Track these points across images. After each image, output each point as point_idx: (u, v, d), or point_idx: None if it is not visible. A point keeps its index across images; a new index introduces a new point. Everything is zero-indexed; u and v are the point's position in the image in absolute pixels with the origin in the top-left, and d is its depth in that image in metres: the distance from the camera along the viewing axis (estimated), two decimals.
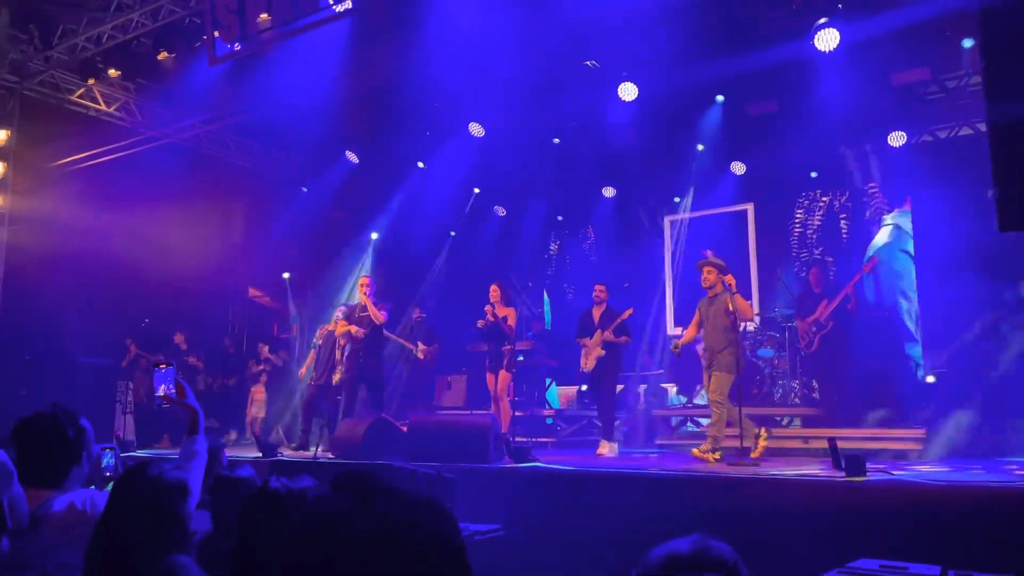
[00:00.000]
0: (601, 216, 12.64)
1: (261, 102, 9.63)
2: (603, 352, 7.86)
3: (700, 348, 9.81)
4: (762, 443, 6.65)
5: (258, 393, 11.49)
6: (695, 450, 6.77)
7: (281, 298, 13.25)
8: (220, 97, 9.67)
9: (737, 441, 7.87)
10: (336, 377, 9.11)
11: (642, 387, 11.29)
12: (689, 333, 7.23)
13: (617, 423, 8.64)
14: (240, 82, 9.26)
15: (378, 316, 8.48)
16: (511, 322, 8.30)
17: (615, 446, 7.87)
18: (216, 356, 12.04)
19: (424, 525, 0.81)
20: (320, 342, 9.31)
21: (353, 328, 8.57)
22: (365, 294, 8.55)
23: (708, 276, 7.02)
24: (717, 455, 6.60)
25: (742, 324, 7.16)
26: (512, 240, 13.04)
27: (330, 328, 9.33)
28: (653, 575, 1.07)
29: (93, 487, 2.92)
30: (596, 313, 8.11)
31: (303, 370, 9.42)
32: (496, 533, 4.74)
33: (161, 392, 2.64)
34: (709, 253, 10.69)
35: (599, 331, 7.92)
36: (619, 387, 8.85)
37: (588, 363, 7.95)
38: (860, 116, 9.53)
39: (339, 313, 9.25)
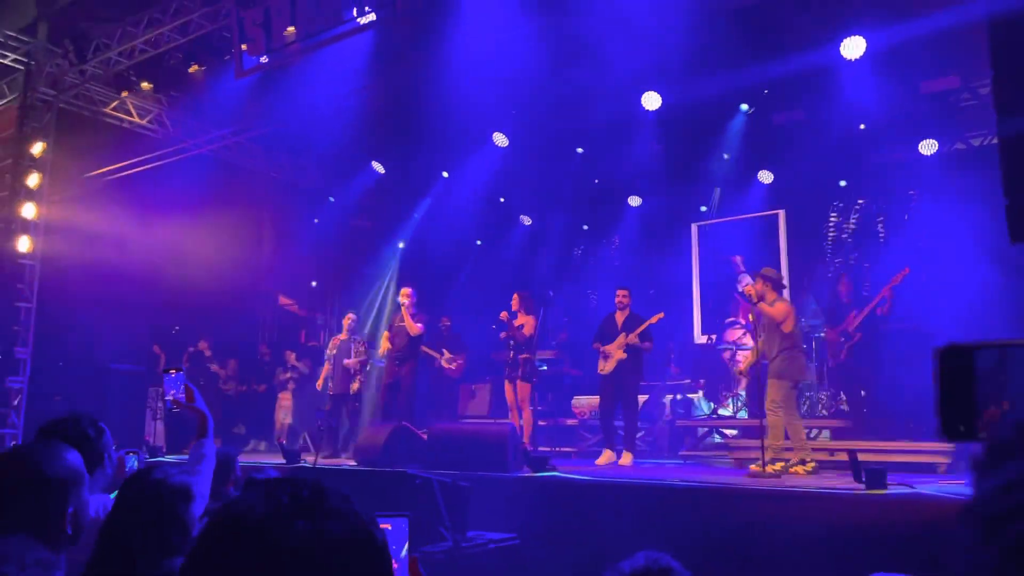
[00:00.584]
0: (627, 225, 12.63)
1: (288, 113, 9.80)
2: (625, 356, 7.78)
3: (739, 356, 9.76)
4: (799, 469, 6.53)
5: (285, 400, 11.65)
6: (753, 466, 6.64)
7: (309, 306, 13.43)
8: (248, 109, 9.87)
9: (770, 453, 7.86)
10: (354, 386, 9.22)
11: (668, 397, 11.25)
12: (753, 351, 7.13)
13: (640, 433, 8.61)
14: (267, 94, 9.45)
15: (413, 327, 8.61)
16: (528, 331, 8.31)
17: (629, 456, 7.75)
18: (249, 363, 12.24)
19: (340, 545, 0.80)
20: (334, 352, 9.37)
21: (386, 344, 8.78)
22: (405, 305, 8.68)
23: (757, 287, 6.93)
24: (777, 466, 6.52)
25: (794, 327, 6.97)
26: (537, 249, 13.08)
27: (342, 338, 9.44)
28: None
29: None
30: (619, 318, 8.04)
31: (320, 382, 9.46)
32: (511, 542, 4.77)
33: (171, 397, 2.72)
34: (739, 259, 10.64)
35: (623, 334, 7.85)
36: (642, 397, 8.79)
37: (607, 366, 7.82)
38: (890, 124, 9.44)
39: (347, 323, 9.41)
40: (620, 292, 8.19)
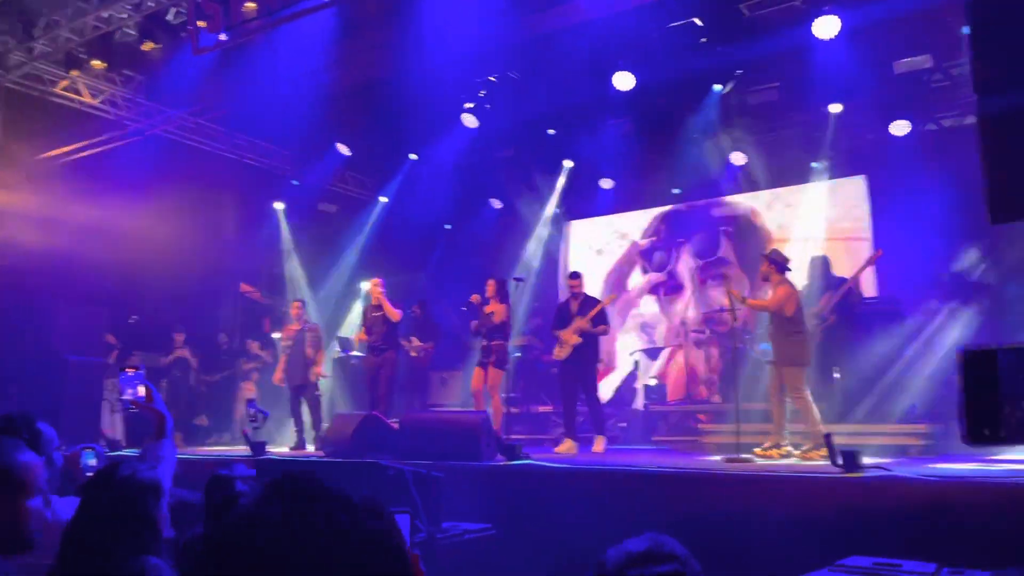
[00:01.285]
0: (599, 207, 12.65)
1: (248, 93, 9.64)
2: (580, 340, 7.81)
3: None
4: (774, 452, 6.68)
5: (249, 390, 11.52)
6: (796, 451, 6.75)
7: (272, 294, 13.27)
8: (206, 88, 9.68)
9: (743, 438, 7.98)
10: (315, 372, 9.18)
11: (641, 383, 11.35)
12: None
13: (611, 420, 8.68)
14: (227, 73, 9.27)
15: (394, 313, 8.77)
16: (499, 317, 8.31)
17: (603, 441, 7.79)
18: (210, 352, 12.09)
19: (362, 532, 0.79)
20: (289, 343, 9.27)
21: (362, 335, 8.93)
22: (381, 293, 8.82)
23: (763, 268, 7.21)
24: (823, 451, 6.64)
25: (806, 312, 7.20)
26: (508, 233, 13.06)
27: (295, 328, 9.34)
28: (607, 573, 1.11)
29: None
30: (573, 305, 8.07)
31: (277, 373, 9.36)
32: (486, 532, 4.78)
33: (128, 396, 2.65)
34: (726, 240, 10.74)
35: (577, 318, 7.89)
36: (614, 381, 8.86)
37: (562, 352, 7.87)
38: (863, 104, 9.57)
39: (296, 311, 9.35)
40: (571, 281, 8.25)
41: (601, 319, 7.96)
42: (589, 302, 8.03)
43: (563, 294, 8.42)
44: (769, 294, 7.19)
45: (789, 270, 7.41)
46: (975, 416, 0.87)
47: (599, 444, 7.75)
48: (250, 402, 7.61)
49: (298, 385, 9.20)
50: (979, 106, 3.15)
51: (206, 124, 11.17)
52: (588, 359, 7.91)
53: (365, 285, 8.93)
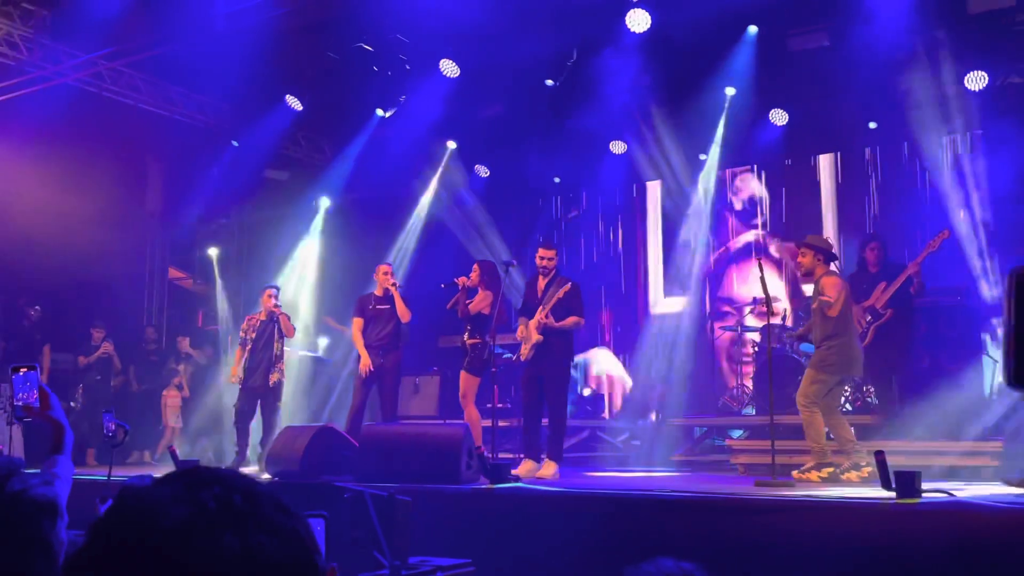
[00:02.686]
0: (609, 177, 12.68)
1: (180, 33, 9.61)
2: (541, 338, 7.54)
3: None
4: (853, 475, 6.73)
5: (171, 398, 11.53)
6: (795, 472, 6.80)
7: (207, 280, 13.27)
8: (128, 29, 9.65)
9: (782, 457, 8.04)
10: (273, 378, 9.22)
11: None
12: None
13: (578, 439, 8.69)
14: (153, 10, 9.26)
15: (405, 312, 8.84)
16: (484, 309, 8.31)
17: (553, 467, 7.46)
18: (132, 352, 12.08)
19: (264, 521, 0.80)
20: (252, 335, 9.35)
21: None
22: (393, 285, 8.94)
23: (802, 260, 7.16)
24: (824, 472, 6.70)
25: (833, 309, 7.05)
26: (497, 207, 13.07)
27: (261, 318, 9.42)
28: None
29: None
30: (540, 286, 7.83)
31: (234, 371, 9.46)
32: (464, 569, 4.81)
33: (20, 402, 2.65)
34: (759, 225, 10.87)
35: (540, 308, 7.64)
36: (627, 383, 8.85)
37: (524, 350, 7.64)
38: (930, 52, 9.59)
39: (268, 301, 9.35)
40: (541, 251, 7.88)
41: (568, 309, 7.64)
42: (554, 286, 7.70)
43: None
44: (817, 290, 7.15)
45: (836, 257, 7.46)
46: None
47: (548, 469, 7.42)
48: (106, 414, 7.54)
49: (257, 388, 9.25)
50: None
51: (127, 71, 11.12)
52: (554, 359, 7.64)
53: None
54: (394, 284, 8.98)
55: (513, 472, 7.36)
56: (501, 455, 8.75)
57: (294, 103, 11.64)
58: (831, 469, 6.78)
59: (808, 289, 9.05)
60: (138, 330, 12.64)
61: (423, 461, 6.51)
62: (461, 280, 8.45)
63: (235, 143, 12.33)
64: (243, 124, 12.25)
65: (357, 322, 9.05)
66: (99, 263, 11.52)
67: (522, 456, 7.82)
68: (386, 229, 13.01)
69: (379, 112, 11.81)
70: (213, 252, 13.38)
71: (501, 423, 9.65)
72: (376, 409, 10.61)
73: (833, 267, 7.35)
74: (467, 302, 8.41)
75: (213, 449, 11.33)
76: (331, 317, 12.43)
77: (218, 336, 12.92)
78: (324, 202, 13.23)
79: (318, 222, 13.31)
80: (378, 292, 9.08)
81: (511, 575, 5.23)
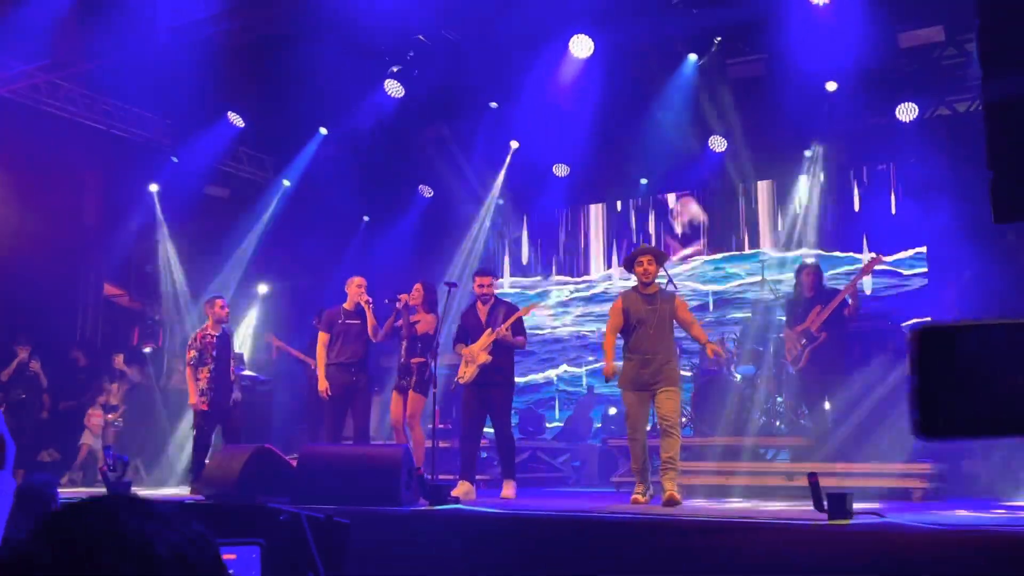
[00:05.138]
0: (551, 199, 12.77)
1: (118, 48, 9.48)
2: (490, 358, 7.66)
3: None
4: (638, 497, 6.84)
5: (95, 417, 11.25)
6: (673, 494, 6.60)
7: (144, 298, 13.03)
8: (66, 39, 9.50)
9: (716, 478, 8.13)
10: (236, 397, 8.94)
11: (612, 410, 11.48)
12: (609, 343, 7.20)
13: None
14: (93, 20, 9.11)
15: (377, 331, 8.52)
16: (422, 330, 8.31)
17: (512, 485, 7.70)
18: (64, 371, 11.80)
19: None
20: (212, 353, 8.89)
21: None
22: (367, 301, 8.54)
23: (649, 268, 7.06)
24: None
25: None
26: (440, 228, 13.08)
27: (215, 332, 8.97)
28: None
29: None
30: (482, 312, 7.97)
31: (193, 394, 8.87)
32: None
33: None
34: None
35: (487, 331, 7.75)
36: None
37: (468, 372, 7.70)
38: (864, 83, 9.86)
39: (222, 311, 9.06)
40: (479, 279, 8.08)
41: (520, 330, 7.92)
42: (501, 309, 7.90)
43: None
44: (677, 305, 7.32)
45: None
46: (928, 405, 0.92)
47: (508, 489, 7.60)
48: (107, 449, 7.37)
49: (223, 410, 8.81)
50: (984, 85, 3.29)
51: (63, 84, 10.94)
52: (501, 380, 7.77)
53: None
54: (367, 300, 8.58)
55: (452, 493, 7.36)
56: (441, 476, 8.71)
57: (236, 120, 11.53)
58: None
59: None
60: (70, 346, 12.36)
61: (362, 482, 6.44)
62: (403, 297, 8.43)
63: (175, 159, 12.17)
64: (183, 140, 12.11)
65: (323, 337, 8.68)
66: (32, 278, 11.26)
67: (458, 478, 7.78)
68: (328, 247, 12.93)
69: (321, 131, 11.76)
70: (150, 267, 13.14)
71: (442, 444, 9.61)
72: (312, 427, 10.55)
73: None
74: (412, 320, 8.38)
75: (145, 469, 11.07)
76: (272, 335, 12.24)
77: (156, 355, 12.65)
78: (264, 219, 13.10)
79: (256, 238, 13.14)
80: (348, 306, 8.67)
81: None
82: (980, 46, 3.32)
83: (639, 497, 6.80)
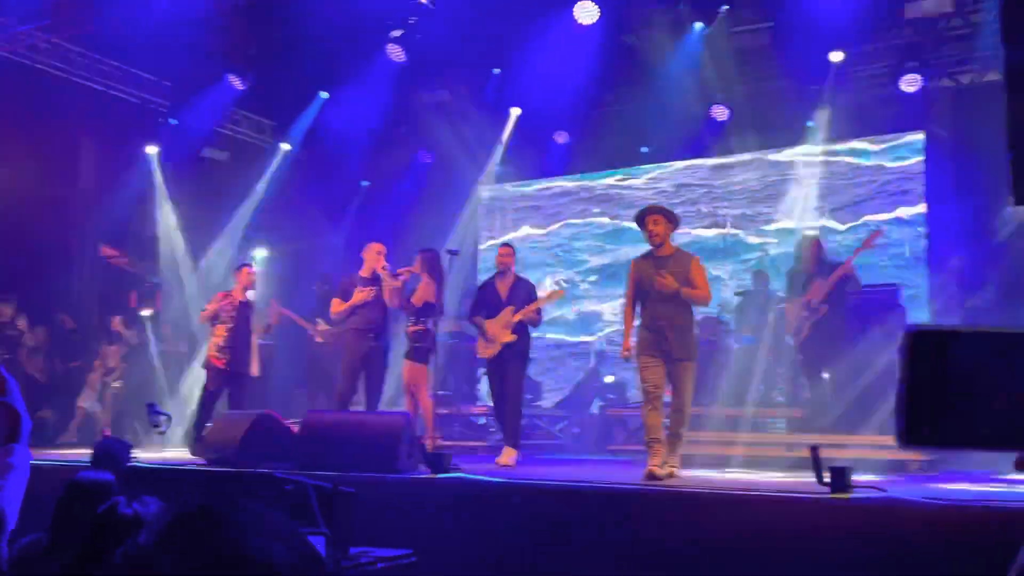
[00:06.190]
0: (550, 165, 12.72)
1: (117, 6, 9.38)
2: (514, 338, 7.66)
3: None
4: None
5: (91, 380, 11.23)
6: (653, 468, 6.41)
7: (141, 260, 12.97)
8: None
9: (715, 448, 8.15)
10: (255, 367, 8.96)
11: (608, 378, 11.51)
12: (627, 314, 6.89)
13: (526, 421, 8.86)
14: None
15: (393, 299, 8.33)
16: (419, 299, 8.26)
17: (512, 453, 7.67)
18: (57, 333, 11.77)
19: None
20: (233, 314, 8.87)
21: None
22: (385, 268, 8.36)
23: (655, 228, 6.67)
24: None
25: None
26: (441, 193, 13.02)
27: (239, 298, 8.94)
28: None
29: None
30: (501, 286, 7.94)
31: (215, 352, 8.79)
32: (405, 560, 4.80)
33: None
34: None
35: (509, 309, 7.74)
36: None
37: (491, 349, 7.74)
38: (868, 54, 9.80)
39: (247, 278, 9.02)
40: (502, 250, 8.09)
41: (539, 310, 7.91)
42: (523, 287, 7.90)
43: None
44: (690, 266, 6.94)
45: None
46: (916, 412, 0.90)
47: (507, 456, 7.57)
48: (151, 405, 7.38)
49: (237, 374, 8.85)
50: (1007, 57, 3.23)
51: (63, 44, 10.84)
52: (519, 357, 7.82)
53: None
54: (385, 267, 8.42)
55: (498, 461, 7.48)
56: (444, 443, 8.78)
57: (236, 82, 11.42)
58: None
59: None
60: (66, 308, 12.32)
61: (362, 449, 6.45)
62: (405, 271, 8.39)
63: (173, 121, 12.07)
64: (182, 102, 12.01)
65: (337, 303, 8.56)
66: (29, 239, 11.20)
67: (502, 443, 7.89)
68: (330, 212, 12.89)
69: (322, 94, 11.67)
70: (153, 230, 13.08)
71: (440, 410, 9.64)
72: (313, 393, 10.58)
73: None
74: (403, 290, 8.34)
75: (143, 432, 11.09)
76: (274, 300, 12.19)
77: (153, 317, 12.61)
78: (264, 183, 13.04)
79: (256, 201, 13.09)
80: (364, 273, 8.49)
81: (453, 565, 5.23)
82: (1004, 13, 3.24)
83: (656, 469, 6.24)
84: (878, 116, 10.86)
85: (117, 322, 11.78)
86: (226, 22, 9.51)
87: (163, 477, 5.68)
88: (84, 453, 8.62)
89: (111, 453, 6.40)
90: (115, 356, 11.67)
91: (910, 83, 10.22)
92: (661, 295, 6.52)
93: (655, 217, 6.71)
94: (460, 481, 6.14)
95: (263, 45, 10.56)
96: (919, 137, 10.85)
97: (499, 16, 9.60)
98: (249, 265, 9.41)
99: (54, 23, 10.02)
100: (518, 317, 7.69)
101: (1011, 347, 0.90)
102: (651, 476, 6.16)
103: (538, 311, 7.89)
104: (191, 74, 11.30)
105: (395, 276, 8.36)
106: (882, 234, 8.93)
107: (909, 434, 0.91)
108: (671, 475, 6.40)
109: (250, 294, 9.18)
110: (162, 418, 7.49)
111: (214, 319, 8.92)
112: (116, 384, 11.52)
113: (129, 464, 6.50)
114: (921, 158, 10.79)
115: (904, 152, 11.05)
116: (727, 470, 7.46)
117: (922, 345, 0.92)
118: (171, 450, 9.04)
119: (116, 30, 10.04)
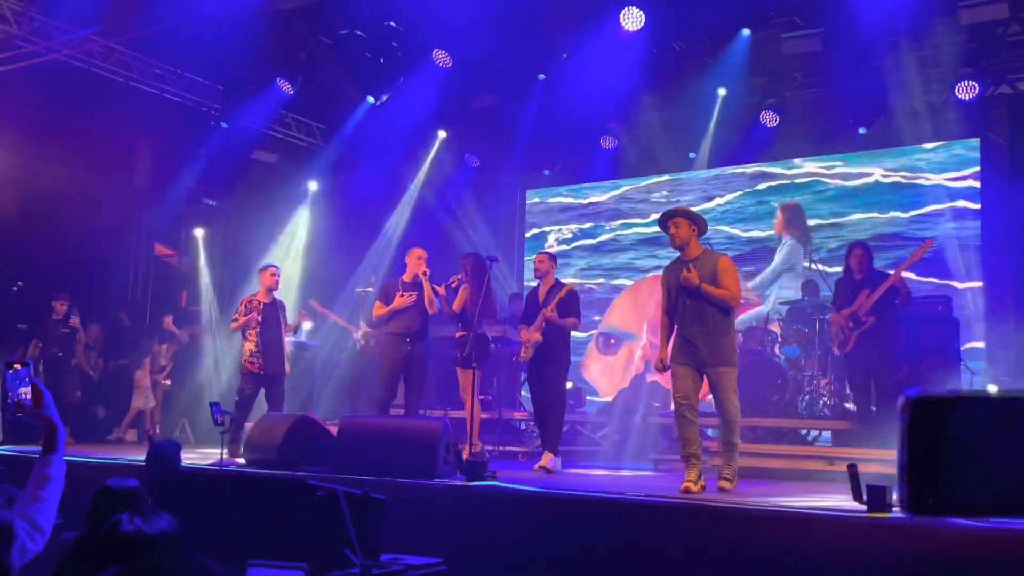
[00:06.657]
0: (597, 171, 12.67)
1: (173, 13, 9.54)
2: (541, 338, 7.72)
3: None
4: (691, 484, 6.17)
5: (142, 377, 11.41)
6: (722, 481, 6.36)
7: (193, 259, 13.20)
8: (122, 5, 9.58)
9: (757, 460, 8.03)
10: (288, 366, 9.06)
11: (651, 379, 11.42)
12: (661, 322, 6.69)
13: (566, 428, 8.81)
14: None
15: (433, 303, 8.42)
16: (459, 305, 8.30)
17: (559, 461, 7.81)
18: (115, 330, 12.03)
19: None
20: (259, 319, 8.92)
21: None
22: (424, 273, 8.44)
23: (676, 231, 6.45)
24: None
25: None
26: (486, 198, 13.04)
27: (263, 301, 8.97)
28: None
29: None
30: (542, 291, 7.98)
31: (250, 354, 8.87)
32: (435, 568, 4.80)
33: (13, 398, 2.57)
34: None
35: (541, 311, 7.80)
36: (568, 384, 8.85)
37: (527, 352, 7.83)
38: (922, 61, 9.61)
39: (271, 279, 9.07)
40: (538, 257, 8.19)
41: (569, 308, 7.80)
42: (556, 290, 7.90)
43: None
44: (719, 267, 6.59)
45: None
46: (918, 480, 0.87)
47: (546, 460, 7.66)
48: (214, 405, 7.50)
49: (273, 375, 8.91)
50: None
51: (117, 48, 11.03)
52: (554, 358, 7.81)
53: None
54: (425, 272, 8.47)
55: (538, 465, 7.52)
56: (487, 448, 8.80)
57: (285, 87, 11.55)
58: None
59: None
60: (120, 306, 12.58)
61: (400, 455, 6.47)
62: (455, 279, 8.42)
63: (224, 124, 12.24)
64: (233, 105, 12.17)
65: (379, 305, 8.66)
66: (85, 239, 11.45)
67: (541, 448, 8.03)
68: (374, 215, 12.98)
69: (369, 100, 11.75)
70: (199, 232, 13.30)
71: (483, 415, 9.65)
72: (353, 397, 10.66)
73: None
74: (439, 295, 8.43)
75: (192, 430, 11.27)
76: (317, 300, 12.32)
77: (200, 316, 12.82)
78: (312, 186, 13.19)
79: (306, 205, 13.28)
80: (406, 278, 8.61)
81: (481, 574, 5.22)
82: None
83: (691, 485, 6.06)
84: (932, 123, 10.64)
85: (168, 321, 11.98)
86: (276, 27, 9.61)
87: (197, 483, 5.73)
88: (131, 451, 8.80)
89: (163, 455, 6.54)
90: (166, 354, 11.88)
91: (966, 90, 10.00)
92: (691, 303, 6.32)
93: (676, 220, 6.50)
94: (494, 489, 6.12)
95: (311, 50, 10.65)
96: (974, 144, 10.64)
97: (545, 22, 9.58)
98: (274, 265, 9.42)
99: (110, 28, 10.20)
100: (541, 318, 7.74)
101: (1012, 413, 0.87)
102: (686, 491, 6.03)
103: (572, 314, 7.80)
104: (242, 78, 11.46)
105: (448, 285, 8.41)
106: (932, 245, 8.73)
107: (913, 503, 0.89)
108: (726, 489, 6.25)
109: (274, 294, 9.20)
110: (226, 416, 7.59)
111: (244, 329, 8.96)
112: (166, 382, 11.73)
113: (181, 467, 6.67)
114: (976, 168, 10.58)
115: (959, 159, 10.83)
116: (766, 482, 7.36)
117: (922, 412, 0.90)
118: (215, 448, 9.16)
119: (170, 35, 10.21)
